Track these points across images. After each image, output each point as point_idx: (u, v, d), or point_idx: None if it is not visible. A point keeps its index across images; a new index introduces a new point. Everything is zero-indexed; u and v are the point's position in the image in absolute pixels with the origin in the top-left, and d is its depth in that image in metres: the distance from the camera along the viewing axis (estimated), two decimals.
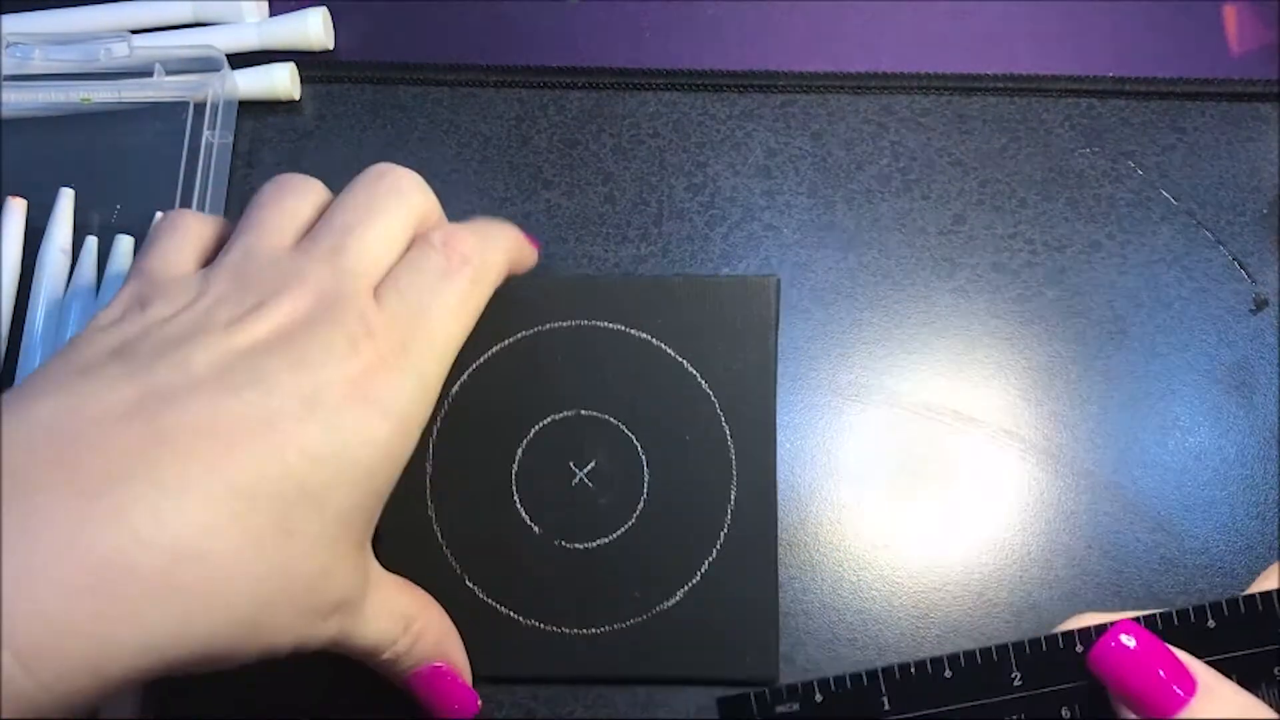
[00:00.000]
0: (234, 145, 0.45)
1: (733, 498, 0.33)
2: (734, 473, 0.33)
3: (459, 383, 0.34)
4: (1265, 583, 0.27)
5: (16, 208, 0.43)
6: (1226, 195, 0.43)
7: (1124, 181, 0.44)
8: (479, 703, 0.33)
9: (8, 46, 0.44)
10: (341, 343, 0.26)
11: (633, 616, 0.33)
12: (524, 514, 0.34)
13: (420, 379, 0.28)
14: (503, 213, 0.43)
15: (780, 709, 0.28)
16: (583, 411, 0.34)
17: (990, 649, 0.27)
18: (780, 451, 0.40)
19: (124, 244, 0.42)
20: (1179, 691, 0.24)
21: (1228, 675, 0.25)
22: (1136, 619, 0.26)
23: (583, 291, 0.35)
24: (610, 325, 0.34)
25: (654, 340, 0.34)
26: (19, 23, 0.46)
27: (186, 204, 0.43)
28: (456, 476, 0.34)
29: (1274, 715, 0.24)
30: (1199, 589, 0.38)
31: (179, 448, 0.24)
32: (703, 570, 0.33)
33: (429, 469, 0.34)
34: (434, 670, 0.31)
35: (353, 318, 0.27)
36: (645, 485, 0.34)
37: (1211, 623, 0.26)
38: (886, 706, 0.27)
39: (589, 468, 0.34)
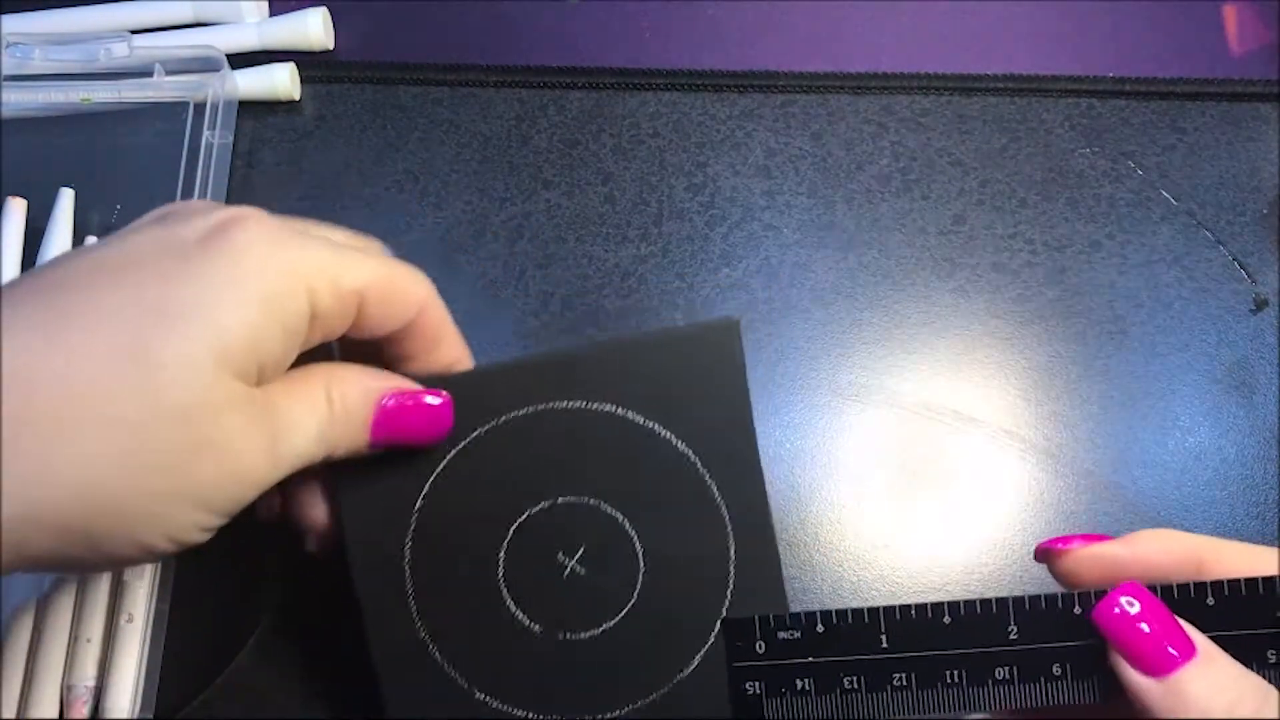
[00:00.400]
0: (234, 145, 0.45)
1: (732, 552, 0.32)
2: (729, 527, 0.32)
3: (422, 496, 0.32)
4: (1264, 563, 0.27)
5: (16, 208, 0.43)
6: (1226, 195, 0.43)
7: (1124, 181, 0.44)
8: (449, 409, 0.31)
9: (8, 46, 0.44)
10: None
11: (654, 691, 0.32)
12: (520, 615, 0.32)
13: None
14: (503, 213, 0.43)
15: (782, 634, 0.28)
16: (560, 499, 0.32)
17: (990, 600, 0.27)
18: (780, 451, 0.40)
19: None
20: (1175, 653, 0.25)
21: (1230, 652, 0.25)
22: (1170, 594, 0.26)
23: (533, 373, 0.32)
24: (570, 404, 0.32)
25: (618, 410, 0.32)
26: (19, 23, 0.46)
27: None
28: (441, 591, 0.32)
29: (1271, 689, 0.25)
30: None
31: (66, 284, 0.26)
32: (716, 630, 0.32)
33: (409, 589, 0.32)
34: (382, 413, 0.30)
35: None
36: (641, 559, 0.32)
37: (1210, 600, 0.26)
38: (884, 644, 0.27)
39: (579, 554, 0.32)
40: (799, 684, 0.28)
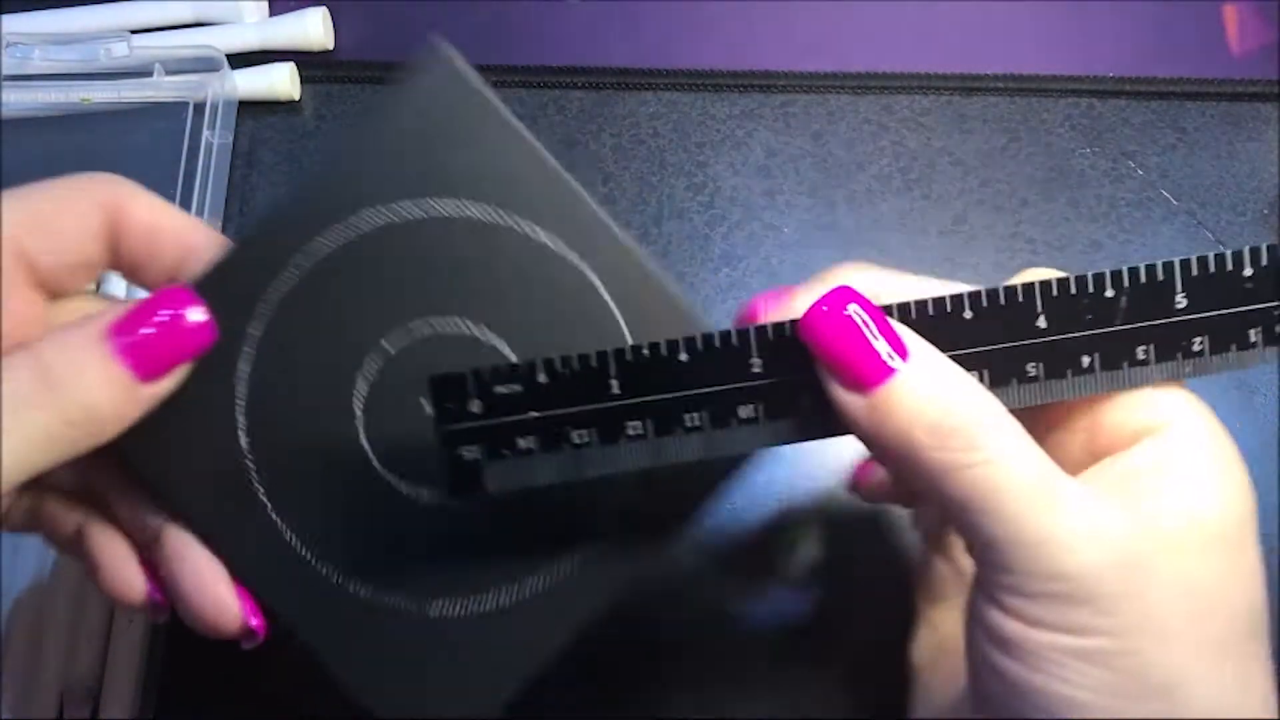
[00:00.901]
0: (234, 145, 0.44)
1: (623, 324, 0.27)
2: (607, 297, 0.27)
3: (306, 247, 0.27)
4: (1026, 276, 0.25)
5: None
6: (1227, 195, 0.43)
7: (1125, 181, 0.44)
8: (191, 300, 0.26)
9: (8, 46, 0.44)
10: None
11: (443, 604, 0.27)
12: (397, 482, 0.27)
13: None
14: None
15: (500, 389, 0.25)
16: (410, 332, 0.27)
17: (730, 331, 0.24)
18: (780, 451, 0.39)
19: None
20: (889, 360, 0.23)
21: (981, 370, 0.24)
22: (887, 306, 0.24)
23: (292, 219, 0.27)
24: (345, 234, 0.27)
25: (406, 212, 0.27)
26: (19, 22, 0.46)
27: (186, 204, 0.43)
28: (299, 478, 0.27)
29: (985, 391, 0.23)
30: None
31: None
32: (552, 580, 0.28)
33: (262, 495, 0.27)
34: (128, 351, 0.25)
35: None
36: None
37: (969, 313, 0.24)
38: (616, 390, 0.24)
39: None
40: (521, 443, 0.25)
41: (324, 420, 0.27)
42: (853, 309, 0.23)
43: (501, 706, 0.27)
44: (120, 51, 0.44)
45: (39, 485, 0.28)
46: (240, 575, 0.27)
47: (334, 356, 0.27)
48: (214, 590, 0.27)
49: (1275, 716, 0.23)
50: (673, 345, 0.25)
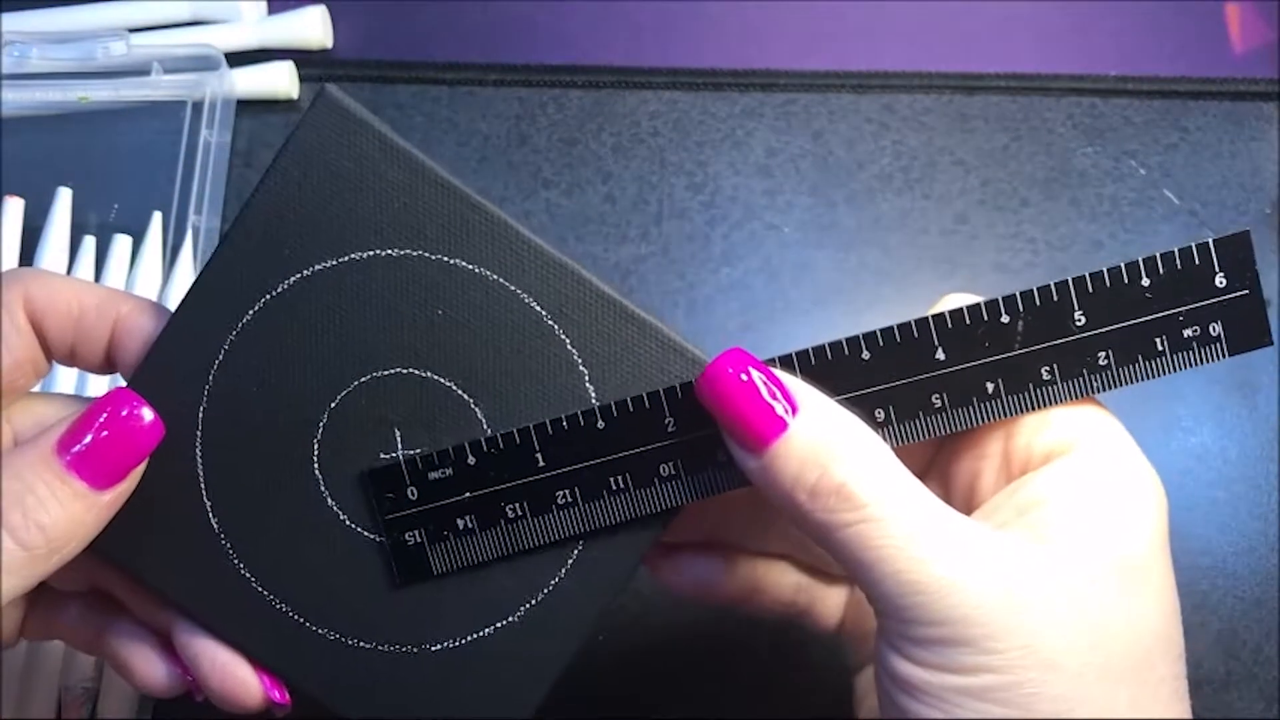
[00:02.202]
0: (232, 144, 0.44)
1: (587, 379, 0.27)
2: (570, 348, 0.27)
3: (237, 329, 0.27)
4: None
5: (14, 207, 0.43)
6: (1229, 194, 0.43)
7: (1126, 180, 0.43)
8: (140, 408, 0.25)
9: (6, 45, 0.44)
10: None
11: (444, 640, 0.27)
12: (349, 521, 0.27)
13: None
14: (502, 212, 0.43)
15: (433, 475, 0.26)
16: (414, 371, 0.27)
17: (642, 396, 0.26)
18: None
19: (121, 243, 0.42)
20: (781, 415, 0.23)
21: (885, 408, 0.25)
22: (785, 356, 0.25)
23: (225, 284, 0.26)
24: (286, 284, 0.27)
25: (327, 263, 0.26)
26: (17, 21, 0.46)
27: (184, 203, 0.42)
28: (254, 516, 0.27)
29: (874, 435, 0.24)
30: (1201, 590, 0.38)
31: None
32: (539, 597, 0.27)
33: (199, 459, 0.27)
34: (76, 463, 0.24)
35: None
36: (484, 424, 0.27)
37: (866, 354, 0.25)
38: (541, 463, 0.26)
39: (408, 438, 0.27)
40: (460, 523, 0.26)
41: (289, 490, 0.27)
42: (739, 371, 0.24)
43: (545, 692, 0.28)
44: (118, 50, 0.44)
45: (49, 595, 0.29)
46: (248, 654, 0.27)
47: (286, 425, 0.27)
48: (232, 673, 0.27)
49: None
50: (589, 415, 0.26)
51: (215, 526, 0.27)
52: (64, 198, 0.43)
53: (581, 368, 0.27)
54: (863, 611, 0.30)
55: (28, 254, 0.42)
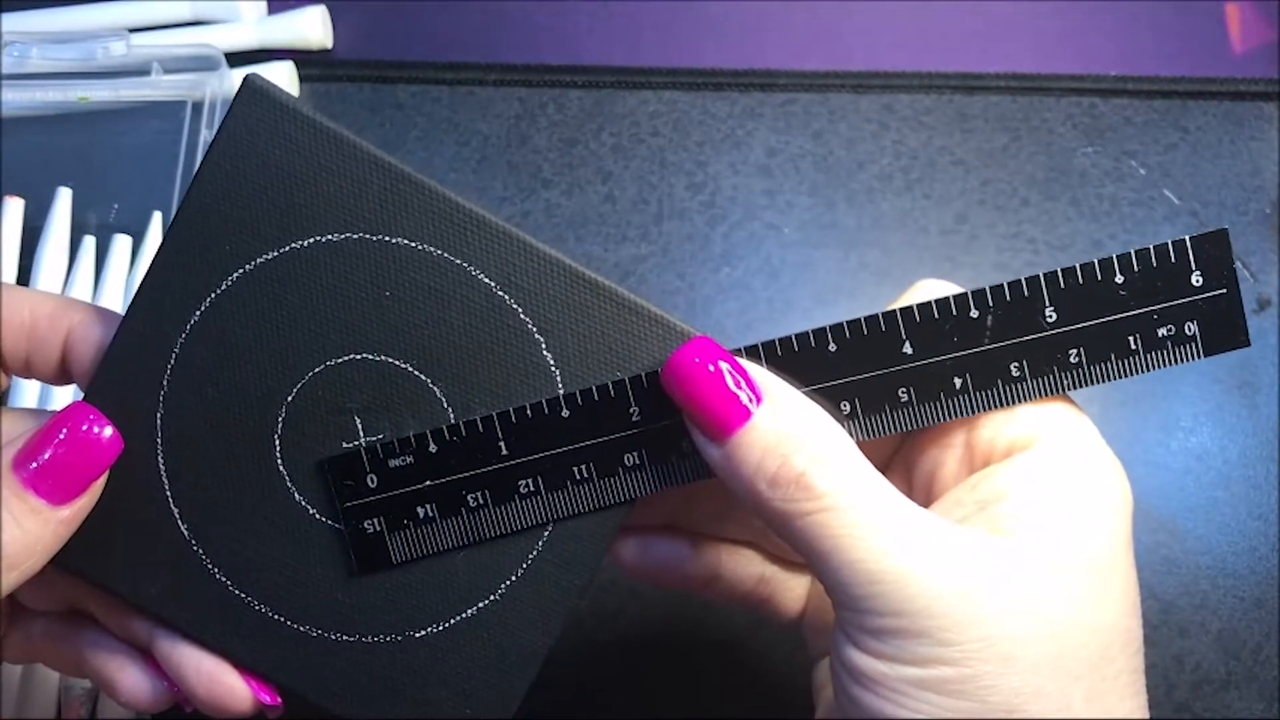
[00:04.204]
0: None
1: (551, 362, 0.26)
2: (535, 333, 0.26)
3: (186, 330, 0.26)
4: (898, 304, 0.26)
5: (14, 206, 0.43)
6: (1229, 194, 0.43)
7: (1126, 180, 0.43)
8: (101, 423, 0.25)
9: (6, 45, 0.44)
10: None
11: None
12: (310, 508, 0.27)
13: None
14: (502, 212, 0.43)
15: (394, 462, 0.26)
16: (368, 356, 0.27)
17: (608, 385, 0.25)
18: None
19: (121, 243, 0.42)
20: (746, 404, 0.23)
21: (851, 400, 0.25)
22: (751, 346, 0.25)
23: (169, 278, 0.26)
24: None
25: (271, 254, 0.26)
26: (17, 21, 0.46)
27: None
28: (223, 519, 0.27)
29: (836, 426, 0.24)
30: (1201, 590, 0.38)
31: None
32: (519, 573, 0.27)
33: (161, 465, 0.27)
34: (33, 480, 0.24)
35: None
36: (449, 412, 0.26)
37: (833, 346, 0.25)
38: (505, 451, 0.26)
39: (371, 424, 0.27)
40: (421, 511, 0.26)
41: (255, 488, 0.27)
42: (705, 359, 0.24)
43: (517, 704, 0.27)
44: (118, 50, 0.44)
45: (25, 616, 0.28)
46: (232, 658, 0.27)
47: (246, 423, 0.26)
48: (219, 680, 0.27)
49: None
50: (554, 403, 0.26)
51: (185, 532, 0.27)
52: (64, 198, 0.43)
53: (537, 336, 0.26)
54: (824, 602, 0.30)
55: (28, 254, 0.42)
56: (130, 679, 0.28)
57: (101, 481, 0.25)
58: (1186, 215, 0.43)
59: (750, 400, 0.23)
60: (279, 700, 0.27)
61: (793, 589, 0.31)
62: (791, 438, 0.23)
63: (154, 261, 0.26)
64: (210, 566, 0.27)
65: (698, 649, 0.38)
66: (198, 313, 0.26)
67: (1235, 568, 0.38)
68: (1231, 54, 0.46)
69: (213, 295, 0.26)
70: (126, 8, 0.46)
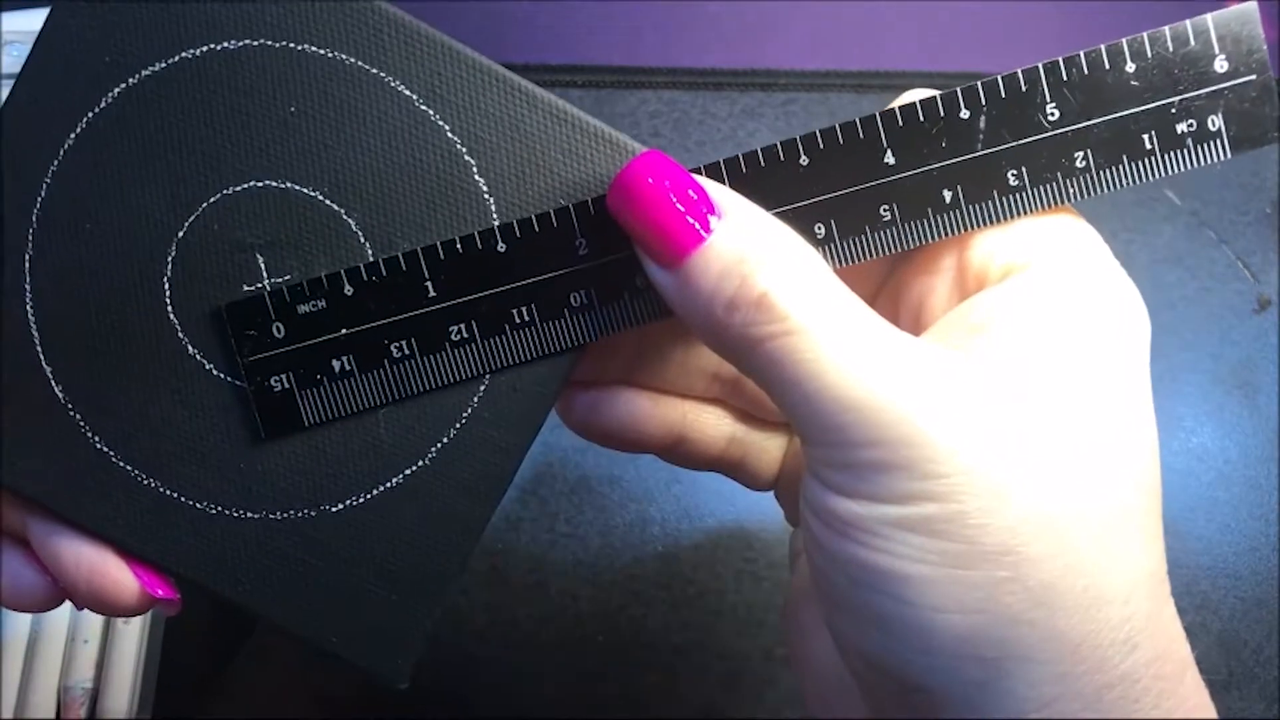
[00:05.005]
0: None
1: (482, 185, 0.23)
2: (466, 156, 0.23)
3: (60, 155, 0.23)
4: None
5: None
6: (1230, 195, 0.43)
7: None
8: None
9: (6, 45, 0.44)
10: None
11: (346, 497, 0.24)
12: (195, 353, 0.23)
13: None
14: None
15: (303, 308, 0.22)
16: (270, 184, 0.23)
17: (549, 213, 0.22)
18: None
19: None
20: (702, 223, 0.20)
21: (826, 223, 0.22)
22: (712, 164, 0.22)
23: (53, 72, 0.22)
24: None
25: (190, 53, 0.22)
26: (17, 20, 0.46)
27: None
28: (79, 310, 0.23)
29: (805, 245, 0.20)
30: (1202, 590, 0.38)
31: None
32: (451, 434, 0.23)
33: (30, 316, 0.23)
34: None
35: None
36: (366, 248, 0.23)
37: (804, 160, 0.21)
38: (432, 293, 0.22)
39: (275, 261, 0.23)
40: (336, 365, 0.22)
41: (141, 342, 0.23)
42: (655, 175, 0.20)
43: (452, 588, 0.24)
44: None
45: None
46: (117, 544, 0.23)
47: (129, 264, 0.23)
48: (101, 570, 0.23)
49: (1154, 603, 0.20)
50: (487, 235, 0.22)
51: (60, 395, 0.23)
52: None
53: (467, 157, 0.23)
54: (802, 463, 0.28)
55: None
56: (6, 575, 0.24)
57: None
58: (1187, 215, 0.43)
59: (707, 219, 0.20)
60: (174, 593, 0.24)
61: (767, 450, 0.27)
62: (752, 257, 0.20)
63: (19, 77, 0.22)
64: (90, 435, 0.23)
65: (697, 649, 0.38)
66: (72, 135, 0.23)
67: (1235, 568, 0.38)
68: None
69: (89, 115, 0.23)
70: None
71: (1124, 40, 0.21)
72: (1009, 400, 0.19)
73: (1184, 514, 0.39)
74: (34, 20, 0.46)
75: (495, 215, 0.23)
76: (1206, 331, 0.41)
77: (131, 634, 0.36)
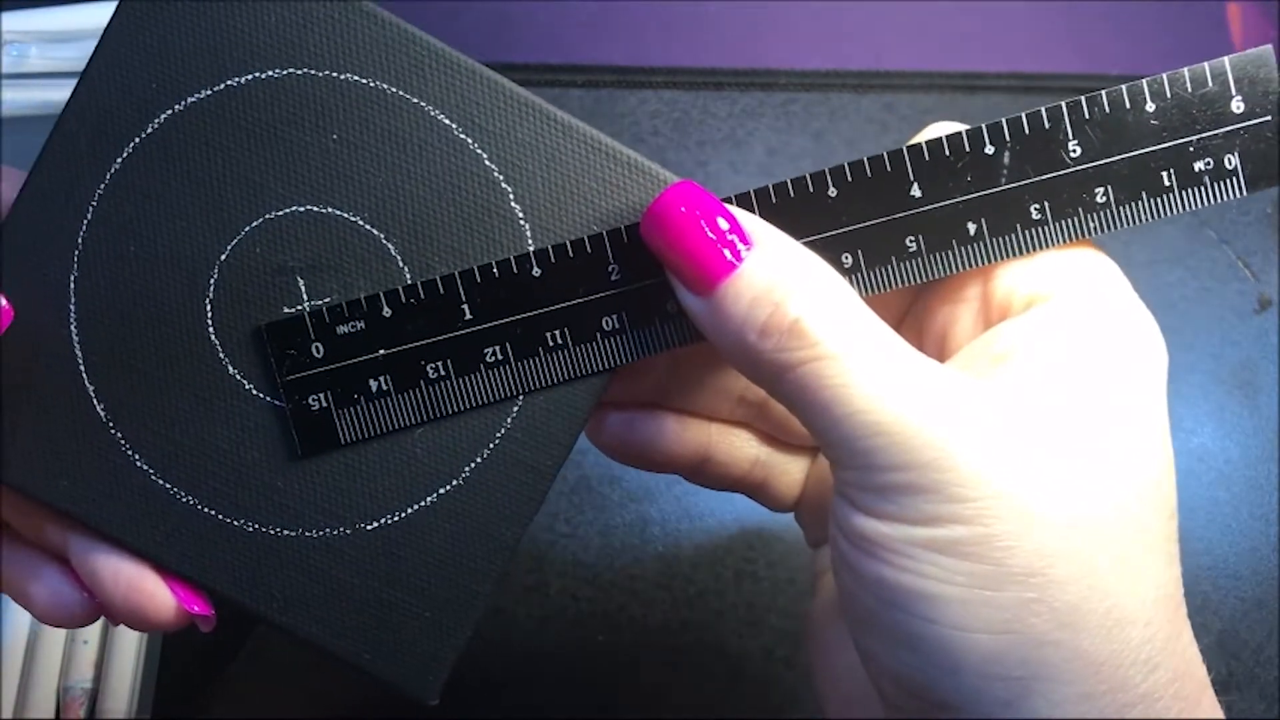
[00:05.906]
0: None
1: (520, 215, 0.24)
2: (506, 188, 0.24)
3: (106, 179, 0.23)
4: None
5: None
6: None
7: None
8: None
9: (6, 45, 0.44)
10: None
11: (381, 516, 0.24)
12: (235, 373, 0.24)
13: None
14: None
15: (342, 329, 0.23)
16: (312, 208, 0.24)
17: (583, 240, 0.23)
18: None
19: None
20: (734, 252, 0.21)
21: (854, 252, 0.22)
22: (743, 194, 0.22)
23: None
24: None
25: (238, 81, 0.23)
26: (17, 20, 0.46)
27: None
28: (121, 330, 0.23)
29: (834, 273, 0.21)
30: (1203, 591, 0.38)
31: None
32: (485, 454, 0.24)
33: (74, 336, 0.23)
34: None
35: None
36: (405, 272, 0.24)
37: (833, 191, 0.22)
38: (469, 316, 0.23)
39: (317, 287, 0.24)
40: (373, 385, 0.23)
41: (183, 362, 0.23)
42: (688, 204, 0.21)
43: (483, 605, 0.24)
44: None
45: None
46: (154, 560, 0.24)
47: (173, 286, 0.23)
48: (138, 586, 0.23)
49: (1173, 625, 0.21)
50: (523, 260, 0.23)
51: (101, 413, 0.23)
52: None
53: (504, 184, 0.23)
54: (823, 485, 0.28)
55: None
56: (46, 591, 0.24)
57: None
58: (1188, 215, 0.43)
59: (738, 248, 0.21)
60: (209, 610, 0.24)
61: (790, 473, 0.28)
62: (784, 285, 0.21)
63: (69, 104, 0.23)
64: (130, 453, 0.24)
65: (698, 649, 0.38)
66: (119, 160, 0.23)
67: (1236, 568, 0.38)
68: (1233, 53, 0.46)
69: (136, 140, 0.23)
70: None
71: (1144, 81, 0.22)
72: (1033, 426, 0.20)
73: (1184, 514, 0.38)
74: (34, 20, 0.46)
75: (530, 241, 0.23)
76: (1207, 331, 0.41)
77: (131, 635, 0.36)
